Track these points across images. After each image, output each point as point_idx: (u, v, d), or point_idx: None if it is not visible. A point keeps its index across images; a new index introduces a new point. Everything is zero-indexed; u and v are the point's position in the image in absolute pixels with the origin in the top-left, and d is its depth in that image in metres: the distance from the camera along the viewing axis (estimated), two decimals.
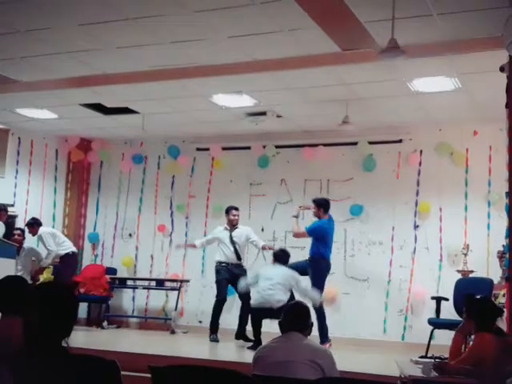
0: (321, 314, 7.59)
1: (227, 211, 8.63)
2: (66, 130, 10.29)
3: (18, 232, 9.09)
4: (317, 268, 7.81)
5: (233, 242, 8.45)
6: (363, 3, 5.24)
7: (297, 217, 8.22)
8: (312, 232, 7.92)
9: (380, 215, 9.13)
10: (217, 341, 8.18)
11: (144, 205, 10.64)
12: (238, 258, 8.46)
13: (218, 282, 8.38)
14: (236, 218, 8.58)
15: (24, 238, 9.10)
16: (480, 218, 8.54)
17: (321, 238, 7.88)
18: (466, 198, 8.70)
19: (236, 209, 8.64)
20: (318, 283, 7.72)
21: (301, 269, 7.82)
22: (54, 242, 8.97)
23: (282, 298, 7.38)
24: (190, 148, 10.33)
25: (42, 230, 9.04)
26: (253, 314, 7.73)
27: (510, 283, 5.32)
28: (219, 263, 8.42)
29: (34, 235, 9.05)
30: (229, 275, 8.32)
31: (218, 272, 8.41)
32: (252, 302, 7.73)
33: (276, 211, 9.71)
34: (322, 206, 8.00)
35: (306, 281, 7.74)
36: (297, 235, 8.23)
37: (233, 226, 8.56)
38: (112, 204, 10.83)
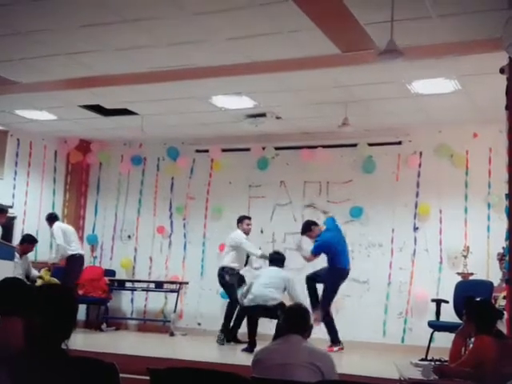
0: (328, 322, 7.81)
1: (241, 221, 8.68)
2: (65, 132, 10.27)
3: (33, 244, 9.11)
4: (330, 277, 7.94)
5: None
6: (362, 5, 5.24)
7: (298, 249, 8.26)
8: (317, 251, 7.99)
9: (380, 217, 9.12)
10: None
11: (143, 206, 10.62)
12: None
13: (232, 286, 8.39)
14: (250, 227, 8.71)
15: (32, 250, 9.15)
16: (480, 220, 8.53)
17: (328, 251, 7.96)
18: (465, 200, 8.69)
19: (250, 218, 8.77)
20: (329, 292, 7.92)
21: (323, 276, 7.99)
22: (63, 237, 9.06)
23: (276, 296, 7.53)
24: (189, 149, 10.31)
25: (56, 224, 9.23)
26: (248, 313, 7.79)
27: (510, 285, 5.31)
28: (232, 269, 8.47)
29: (50, 227, 9.22)
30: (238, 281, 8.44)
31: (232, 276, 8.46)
32: (245, 301, 7.79)
33: (275, 213, 9.70)
34: (307, 229, 8.12)
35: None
36: (309, 260, 8.21)
37: (247, 235, 8.67)
38: (111, 206, 10.81)
